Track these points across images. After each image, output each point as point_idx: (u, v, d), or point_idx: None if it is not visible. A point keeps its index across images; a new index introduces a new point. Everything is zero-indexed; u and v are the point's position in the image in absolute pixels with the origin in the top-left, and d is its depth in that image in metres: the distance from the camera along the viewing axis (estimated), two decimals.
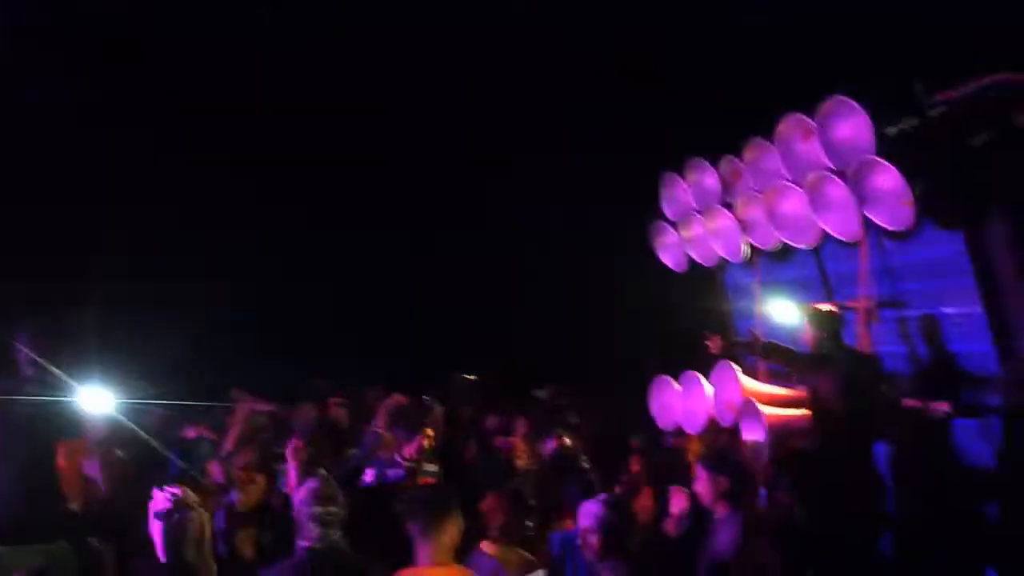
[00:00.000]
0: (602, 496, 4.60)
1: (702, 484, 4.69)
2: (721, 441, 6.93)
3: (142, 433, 5.79)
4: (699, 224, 8.05)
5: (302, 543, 3.92)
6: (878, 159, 5.81)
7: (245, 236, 10.19)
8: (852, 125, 6.13)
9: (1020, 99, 5.61)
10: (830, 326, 6.36)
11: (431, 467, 6.03)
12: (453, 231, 11.78)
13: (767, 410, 6.78)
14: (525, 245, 11.25)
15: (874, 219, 6.14)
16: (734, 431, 7.02)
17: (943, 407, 6.24)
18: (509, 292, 11.48)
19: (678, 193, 8.32)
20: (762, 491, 5.76)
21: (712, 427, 7.39)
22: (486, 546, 4.33)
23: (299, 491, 4.42)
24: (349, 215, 11.09)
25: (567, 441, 6.85)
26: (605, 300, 10.20)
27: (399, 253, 11.54)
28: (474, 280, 11.38)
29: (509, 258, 11.42)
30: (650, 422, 7.97)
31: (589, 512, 4.33)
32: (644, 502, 6.24)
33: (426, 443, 6.60)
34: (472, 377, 8.91)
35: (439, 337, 11.05)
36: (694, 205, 8.10)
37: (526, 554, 4.40)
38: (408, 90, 10.83)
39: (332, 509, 3.94)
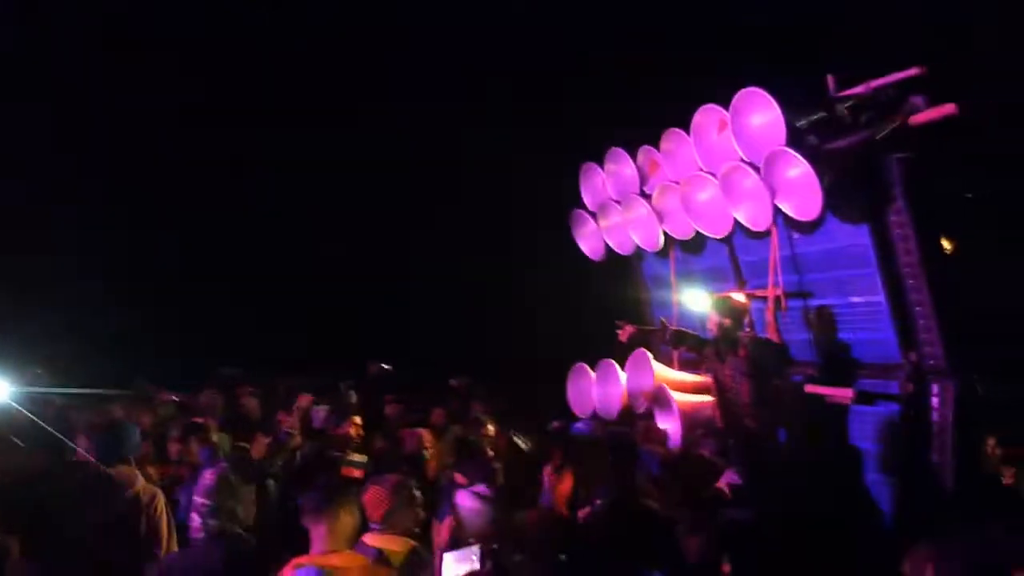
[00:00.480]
0: (480, 488, 4.62)
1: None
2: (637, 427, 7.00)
3: (40, 422, 5.61)
4: (617, 213, 8.12)
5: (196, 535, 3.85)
6: (789, 151, 5.93)
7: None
8: (764, 117, 6.24)
9: (919, 95, 5.80)
10: (733, 314, 6.52)
11: (358, 458, 5.95)
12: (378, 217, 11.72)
13: (678, 396, 6.89)
14: (443, 232, 11.21)
15: (784, 210, 6.27)
16: (649, 417, 7.12)
17: (847, 394, 6.43)
18: (424, 282, 11.43)
19: (597, 183, 8.37)
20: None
21: (626, 414, 7.48)
22: (368, 538, 4.12)
23: (198, 482, 4.34)
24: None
25: (518, 440, 6.74)
26: (525, 289, 10.23)
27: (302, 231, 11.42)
28: (383, 266, 11.36)
29: (427, 244, 11.37)
30: (567, 410, 8.03)
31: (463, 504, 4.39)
32: (563, 488, 6.24)
33: (353, 431, 6.53)
34: (388, 367, 8.85)
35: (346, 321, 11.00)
36: (613, 195, 8.17)
37: (412, 543, 4.27)
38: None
39: (226, 502, 3.87)
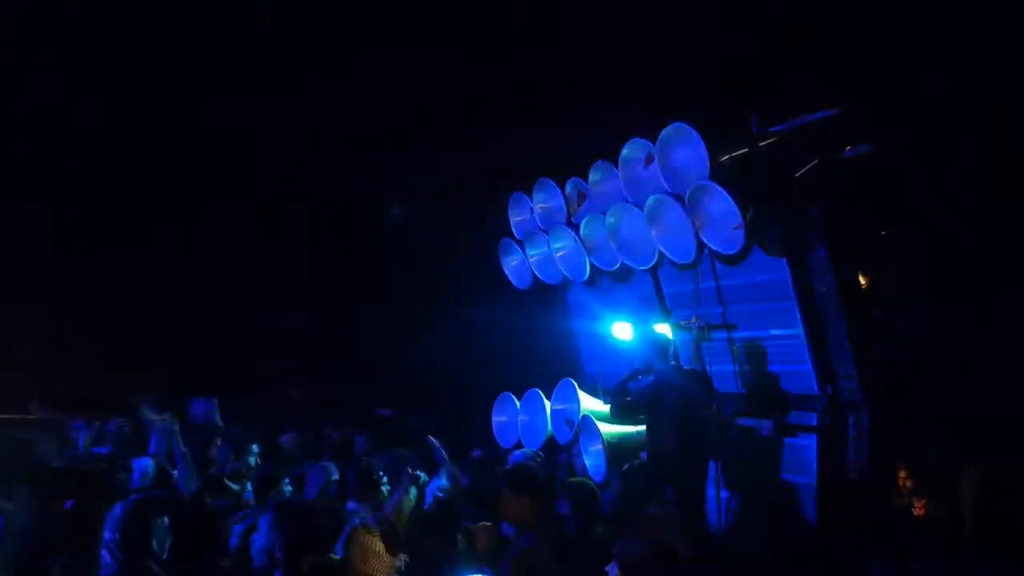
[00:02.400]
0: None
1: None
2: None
3: None
4: (544, 243, 8.14)
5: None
6: (712, 185, 6.04)
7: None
8: (689, 152, 6.35)
9: (839, 132, 5.99)
10: (660, 346, 6.58)
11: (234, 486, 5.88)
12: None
13: (604, 426, 6.91)
14: (371, 257, 11.12)
15: (707, 243, 6.37)
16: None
17: (767, 425, 6.54)
18: (350, 307, 11.31)
19: (524, 212, 8.39)
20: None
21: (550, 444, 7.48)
22: None
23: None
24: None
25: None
26: (450, 317, 10.17)
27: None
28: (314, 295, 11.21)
29: (352, 270, 11.26)
30: (492, 439, 7.98)
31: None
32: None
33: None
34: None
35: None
36: (540, 224, 8.19)
37: None
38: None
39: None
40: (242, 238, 10.90)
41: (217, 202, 10.72)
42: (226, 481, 6.00)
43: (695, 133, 6.17)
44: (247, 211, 11.01)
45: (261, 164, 10.75)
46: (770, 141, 6.36)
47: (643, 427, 6.66)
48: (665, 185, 6.53)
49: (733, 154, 6.35)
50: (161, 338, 10.08)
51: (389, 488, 5.88)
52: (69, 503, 4.34)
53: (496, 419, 8.15)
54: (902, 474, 6.63)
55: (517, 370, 8.31)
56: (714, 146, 6.17)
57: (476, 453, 7.47)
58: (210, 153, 10.41)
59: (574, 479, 6.21)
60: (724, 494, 6.30)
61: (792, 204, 6.16)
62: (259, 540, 4.35)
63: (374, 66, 9.75)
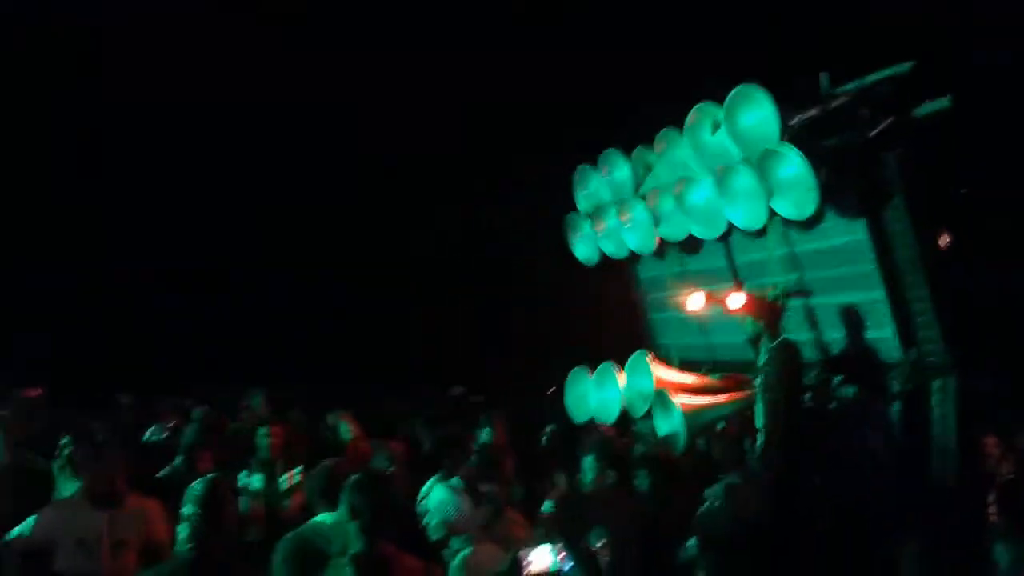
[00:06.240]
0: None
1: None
2: None
3: None
4: (611, 217, 8.05)
5: None
6: (783, 149, 5.89)
7: None
8: (758, 115, 6.19)
9: (914, 88, 5.77)
10: (770, 315, 6.39)
11: None
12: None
13: (679, 399, 6.83)
14: (436, 238, 11.17)
15: (779, 209, 6.22)
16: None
17: (849, 393, 6.39)
18: (418, 289, 11.39)
19: (591, 186, 8.31)
20: None
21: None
22: None
23: None
24: None
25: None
26: (521, 294, 10.18)
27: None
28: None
29: (417, 252, 11.34)
30: (565, 416, 7.97)
31: None
32: None
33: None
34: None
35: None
36: (606, 198, 8.10)
37: None
38: None
39: None
40: None
41: None
42: None
43: (764, 95, 6.01)
44: None
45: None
46: (842, 100, 6.15)
47: (718, 397, 6.58)
48: (734, 151, 6.40)
49: (803, 115, 6.17)
50: None
51: None
52: None
53: (569, 395, 8.13)
54: (989, 441, 6.45)
55: (589, 345, 8.26)
56: (783, 107, 6.01)
57: (550, 428, 7.50)
58: None
59: (652, 451, 6.15)
60: (809, 464, 6.17)
61: (868, 165, 5.96)
62: None
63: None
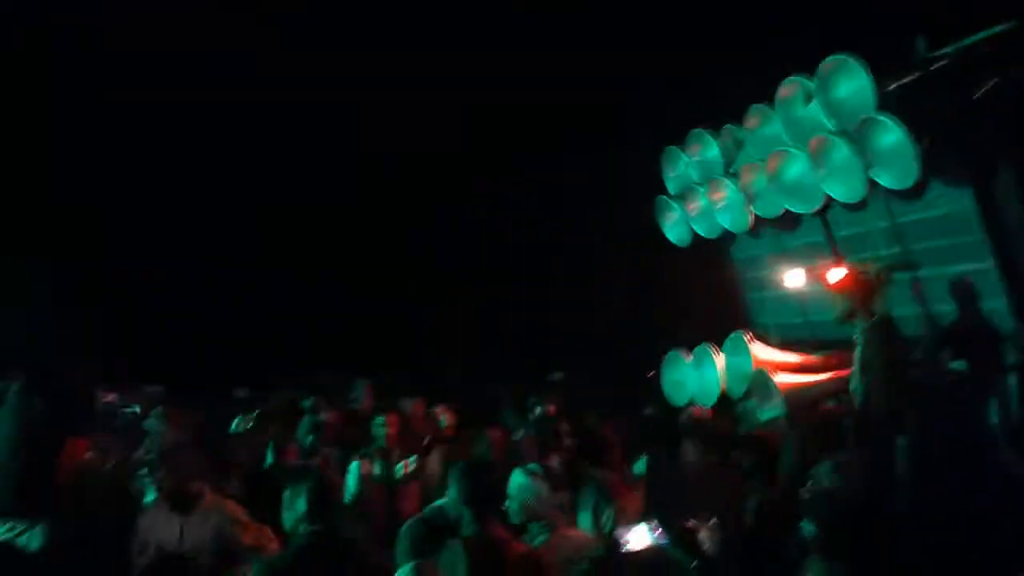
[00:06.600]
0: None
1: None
2: None
3: None
4: (702, 197, 7.95)
5: None
6: (881, 117, 5.72)
7: None
8: (853, 84, 6.02)
9: (1017, 49, 5.52)
10: (865, 292, 6.17)
11: None
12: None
13: (780, 378, 6.72)
14: (528, 224, 11.20)
15: (879, 179, 6.04)
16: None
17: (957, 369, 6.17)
18: (510, 273, 11.44)
19: (680, 167, 8.22)
20: None
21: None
22: None
23: None
24: None
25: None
26: (614, 279, 10.14)
27: None
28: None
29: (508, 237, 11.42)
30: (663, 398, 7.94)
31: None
32: None
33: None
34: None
35: None
36: (697, 178, 8.01)
37: None
38: None
39: None
40: None
41: None
42: None
43: (858, 63, 5.84)
44: None
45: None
46: (941, 64, 5.93)
47: (821, 376, 6.45)
48: (828, 122, 6.25)
49: (901, 81, 5.96)
50: None
51: None
52: None
53: (667, 377, 8.09)
54: None
55: (685, 328, 8.19)
56: (879, 75, 5.83)
57: (647, 411, 7.48)
58: None
59: (754, 433, 6.08)
60: (916, 442, 5.98)
61: (971, 129, 5.73)
62: None
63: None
